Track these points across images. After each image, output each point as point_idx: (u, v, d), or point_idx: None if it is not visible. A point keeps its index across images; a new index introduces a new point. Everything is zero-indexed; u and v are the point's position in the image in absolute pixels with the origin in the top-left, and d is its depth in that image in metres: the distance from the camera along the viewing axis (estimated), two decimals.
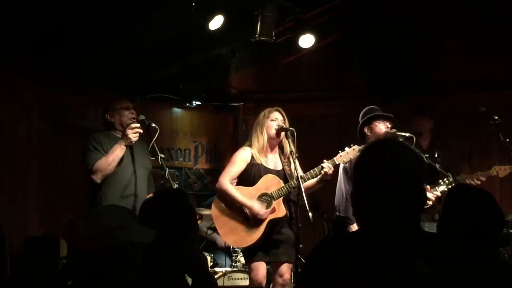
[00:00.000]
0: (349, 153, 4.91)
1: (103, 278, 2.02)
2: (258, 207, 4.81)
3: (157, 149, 4.76)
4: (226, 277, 5.87)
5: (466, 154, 6.90)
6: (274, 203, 4.82)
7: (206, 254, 6.10)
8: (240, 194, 4.85)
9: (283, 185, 4.85)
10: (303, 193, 4.62)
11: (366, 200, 1.87)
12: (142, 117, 4.88)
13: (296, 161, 4.91)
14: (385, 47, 6.84)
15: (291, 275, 5.05)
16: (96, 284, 2.02)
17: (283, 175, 4.94)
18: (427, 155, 5.22)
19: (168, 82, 7.01)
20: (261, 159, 4.94)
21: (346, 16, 6.89)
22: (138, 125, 4.70)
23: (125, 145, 4.63)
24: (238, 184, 4.96)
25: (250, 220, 4.84)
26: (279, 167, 4.98)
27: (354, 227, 4.97)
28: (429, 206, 5.12)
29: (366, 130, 5.24)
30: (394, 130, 5.19)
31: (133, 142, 4.66)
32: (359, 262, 1.76)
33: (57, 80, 6.02)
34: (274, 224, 4.85)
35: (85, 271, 2.04)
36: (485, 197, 2.72)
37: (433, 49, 7.00)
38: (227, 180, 4.89)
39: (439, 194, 5.12)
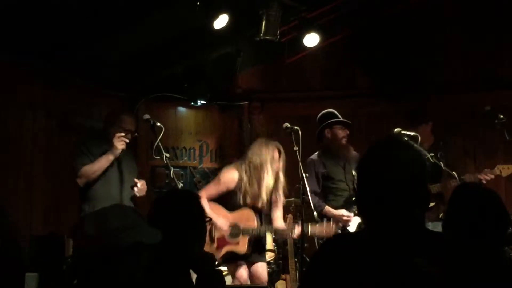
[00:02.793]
0: (324, 228, 4.89)
1: (108, 278, 2.02)
2: (221, 222, 4.92)
3: (162, 148, 4.78)
4: (230, 276, 5.86)
5: (471, 153, 6.88)
6: (240, 237, 4.90)
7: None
8: (211, 210, 4.90)
9: (255, 226, 4.91)
10: (308, 192, 4.64)
11: (370, 200, 1.87)
12: (147, 116, 4.90)
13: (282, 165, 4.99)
14: (390, 46, 6.83)
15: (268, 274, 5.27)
16: (101, 284, 2.03)
17: (260, 213, 4.99)
18: (432, 154, 5.20)
19: (172, 82, 7.01)
20: (248, 188, 4.95)
21: (351, 15, 6.88)
22: (123, 134, 4.77)
23: (112, 157, 4.72)
24: (221, 203, 5.06)
25: (212, 242, 4.93)
26: (259, 204, 4.98)
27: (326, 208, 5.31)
28: (433, 205, 5.10)
29: (327, 132, 5.49)
30: (399, 129, 5.17)
31: (119, 152, 4.78)
32: (364, 262, 1.76)
33: (62, 80, 6.03)
34: (232, 256, 4.94)
35: (91, 271, 2.04)
36: (490, 197, 2.72)
37: (438, 48, 6.99)
38: (204, 196, 4.92)
39: None
